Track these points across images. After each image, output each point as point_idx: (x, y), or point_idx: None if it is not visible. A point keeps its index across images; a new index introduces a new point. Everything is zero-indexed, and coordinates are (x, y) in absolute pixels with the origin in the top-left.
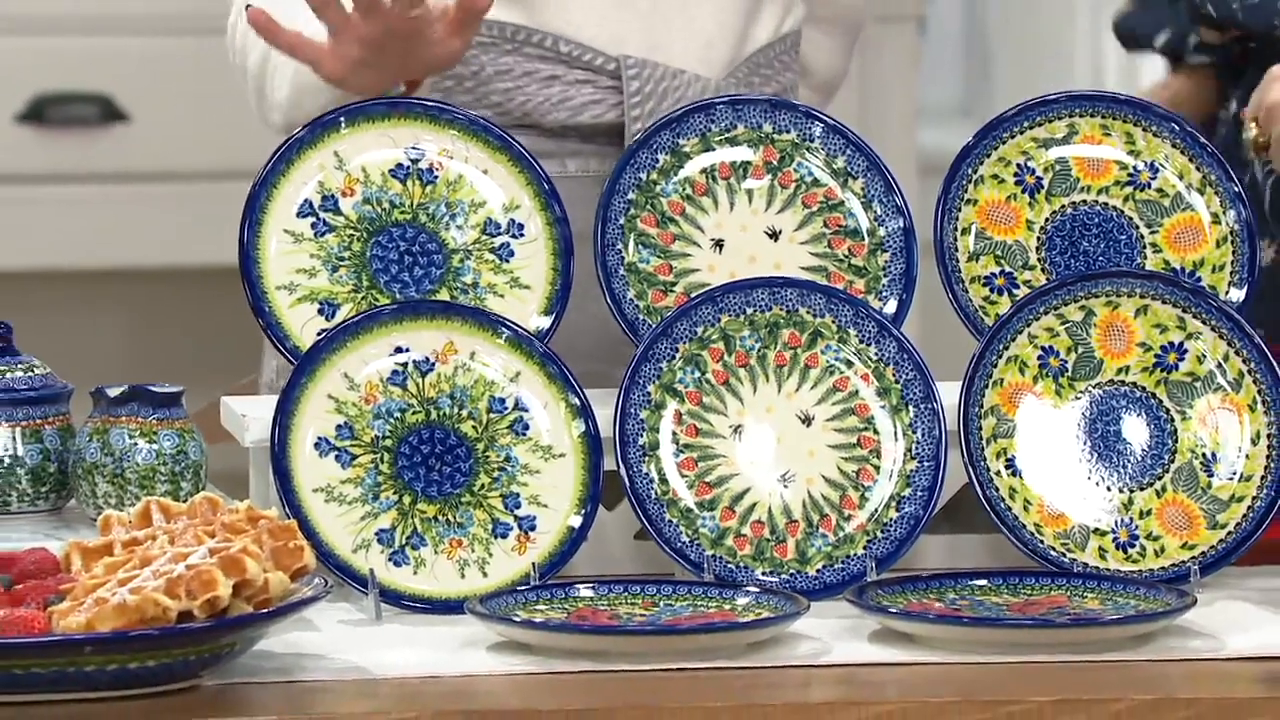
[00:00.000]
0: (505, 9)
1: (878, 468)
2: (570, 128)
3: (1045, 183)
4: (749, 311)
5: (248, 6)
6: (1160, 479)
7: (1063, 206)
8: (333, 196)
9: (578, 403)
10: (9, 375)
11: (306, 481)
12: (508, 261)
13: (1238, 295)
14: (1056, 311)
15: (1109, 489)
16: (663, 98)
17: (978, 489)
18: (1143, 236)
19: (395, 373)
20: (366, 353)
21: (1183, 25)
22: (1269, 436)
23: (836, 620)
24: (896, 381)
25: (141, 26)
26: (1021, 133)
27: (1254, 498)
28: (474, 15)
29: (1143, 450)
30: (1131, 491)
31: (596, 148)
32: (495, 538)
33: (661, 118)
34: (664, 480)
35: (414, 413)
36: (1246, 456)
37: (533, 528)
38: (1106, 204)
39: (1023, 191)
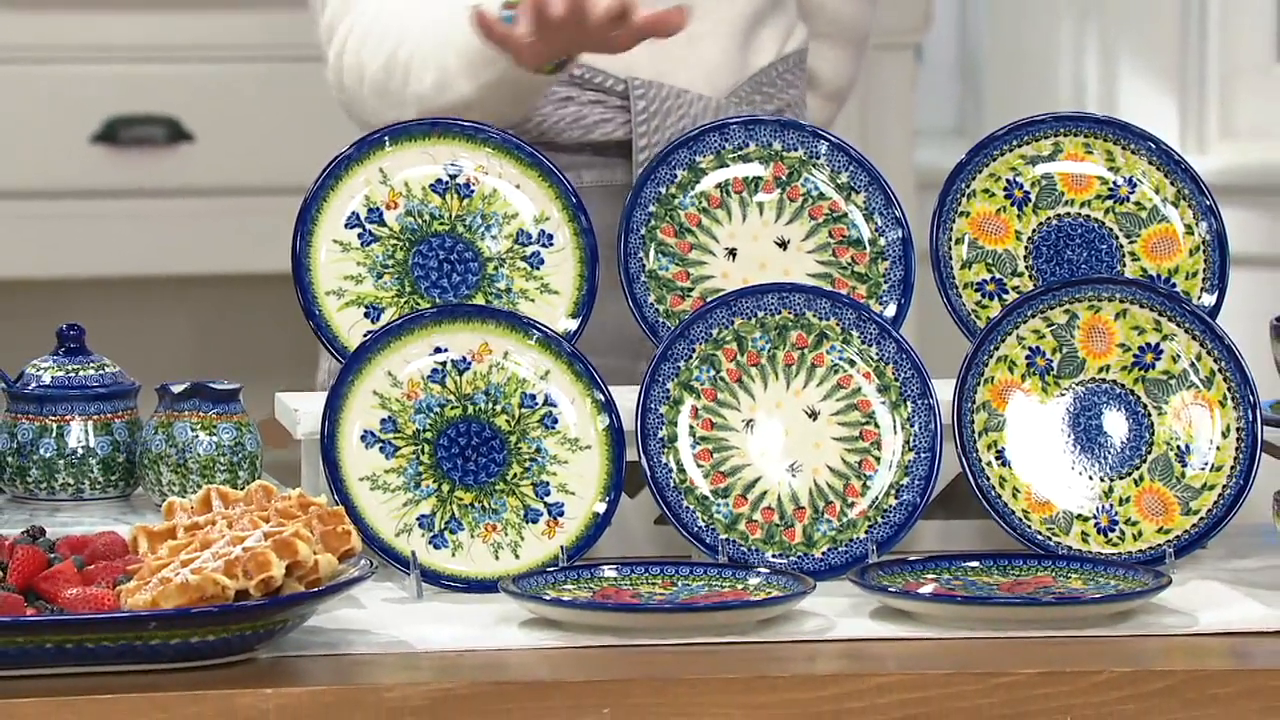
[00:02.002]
0: None
1: (878, 459)
2: (584, 144)
3: (1032, 196)
4: (760, 315)
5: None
6: (1138, 469)
7: (1049, 218)
8: (377, 209)
9: (602, 399)
10: (82, 373)
11: (353, 471)
12: (538, 269)
13: (1209, 300)
14: (1043, 315)
15: (1091, 478)
16: (667, 115)
17: (970, 478)
18: (1122, 246)
19: (435, 371)
20: (408, 352)
21: None
22: (1238, 430)
23: (840, 599)
24: (896, 379)
25: (206, 55)
26: (1010, 151)
27: (1224, 486)
28: (659, 34)
29: (1122, 442)
30: (1111, 480)
31: (607, 160)
32: (527, 523)
33: (679, 137)
34: (682, 470)
35: (452, 408)
36: (1217, 448)
37: (561, 514)
38: (1089, 216)
39: (1012, 204)
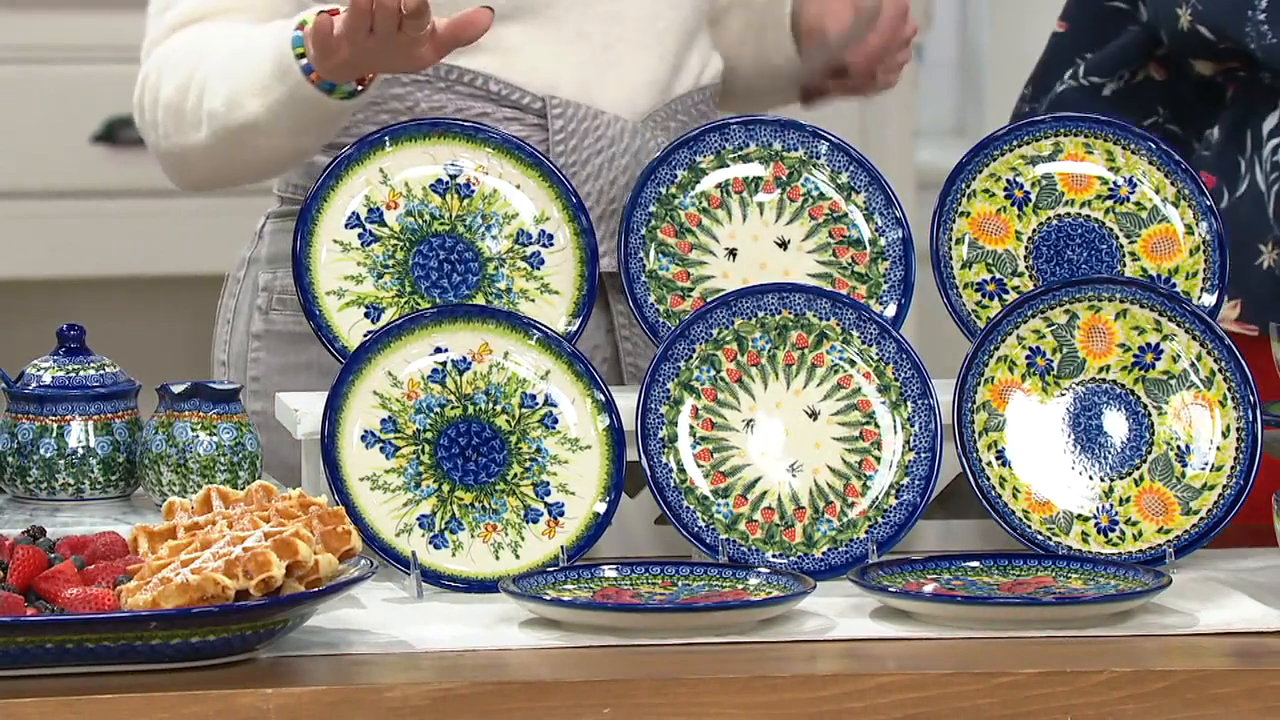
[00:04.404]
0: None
1: (878, 459)
2: None
3: (1033, 196)
4: (760, 315)
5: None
6: (1138, 469)
7: (1049, 218)
8: (378, 209)
9: (603, 399)
10: (82, 373)
11: (354, 471)
12: (538, 269)
13: (1209, 300)
14: (1043, 315)
15: (1091, 478)
16: (585, 135)
17: (971, 478)
18: (1122, 246)
19: (435, 371)
20: (409, 353)
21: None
22: (1238, 430)
23: (840, 599)
24: (896, 379)
25: None
26: (1011, 151)
27: (1224, 486)
28: (465, 39)
29: (1122, 442)
30: (1112, 480)
31: None
32: (527, 523)
33: (679, 137)
34: (682, 470)
35: (452, 408)
36: (1217, 448)
37: (561, 514)
38: (1089, 216)
39: (1012, 204)
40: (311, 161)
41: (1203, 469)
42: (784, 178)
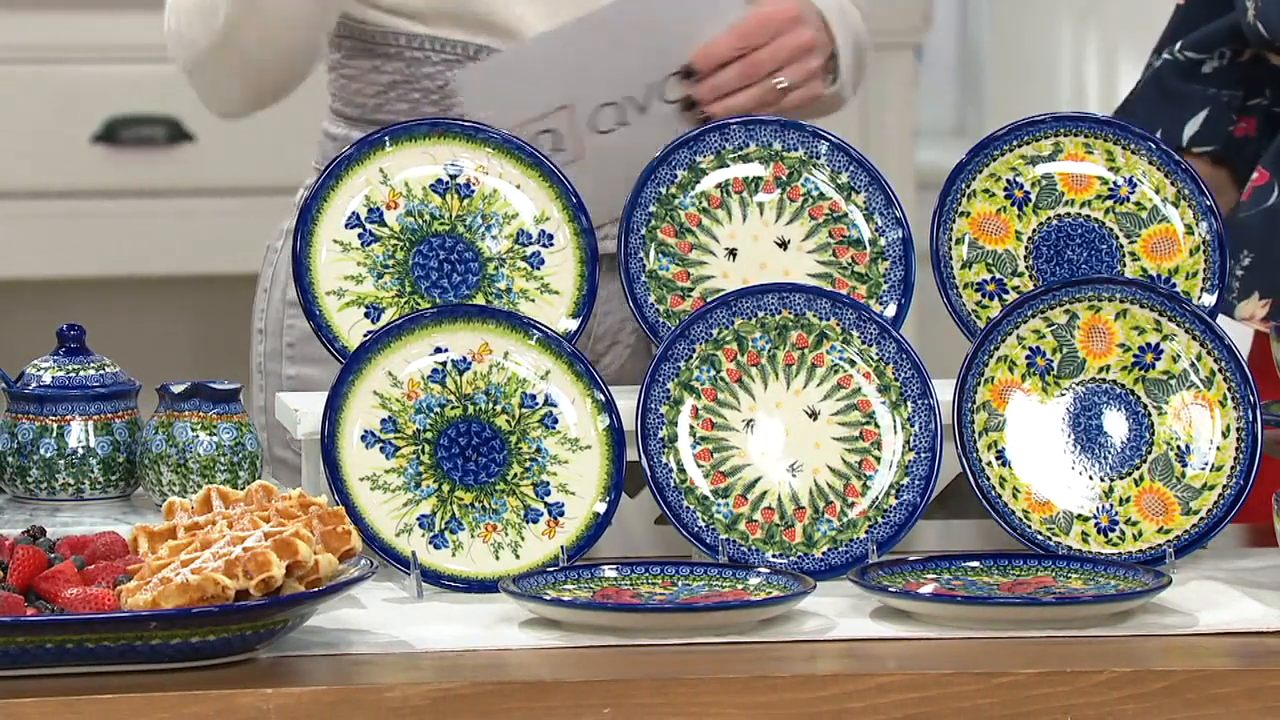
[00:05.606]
0: (471, 32)
1: (878, 459)
2: None
3: (1033, 196)
4: (760, 315)
5: None
6: (1138, 469)
7: (1049, 218)
8: (378, 209)
9: (603, 399)
10: (83, 373)
11: (354, 471)
12: (538, 269)
13: (1209, 300)
14: (1043, 315)
15: (1091, 478)
16: None
17: (971, 478)
18: (1122, 246)
19: (435, 371)
20: (409, 353)
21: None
22: (1238, 430)
23: (841, 599)
24: (896, 379)
25: None
26: (1011, 151)
27: (1224, 486)
28: None
29: (1122, 442)
30: (1112, 480)
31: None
32: (527, 523)
33: (679, 137)
34: (682, 470)
35: (452, 408)
36: (1217, 448)
37: (561, 514)
38: (1089, 216)
39: (1012, 204)
40: (345, 138)
41: (1203, 469)
42: (784, 178)
